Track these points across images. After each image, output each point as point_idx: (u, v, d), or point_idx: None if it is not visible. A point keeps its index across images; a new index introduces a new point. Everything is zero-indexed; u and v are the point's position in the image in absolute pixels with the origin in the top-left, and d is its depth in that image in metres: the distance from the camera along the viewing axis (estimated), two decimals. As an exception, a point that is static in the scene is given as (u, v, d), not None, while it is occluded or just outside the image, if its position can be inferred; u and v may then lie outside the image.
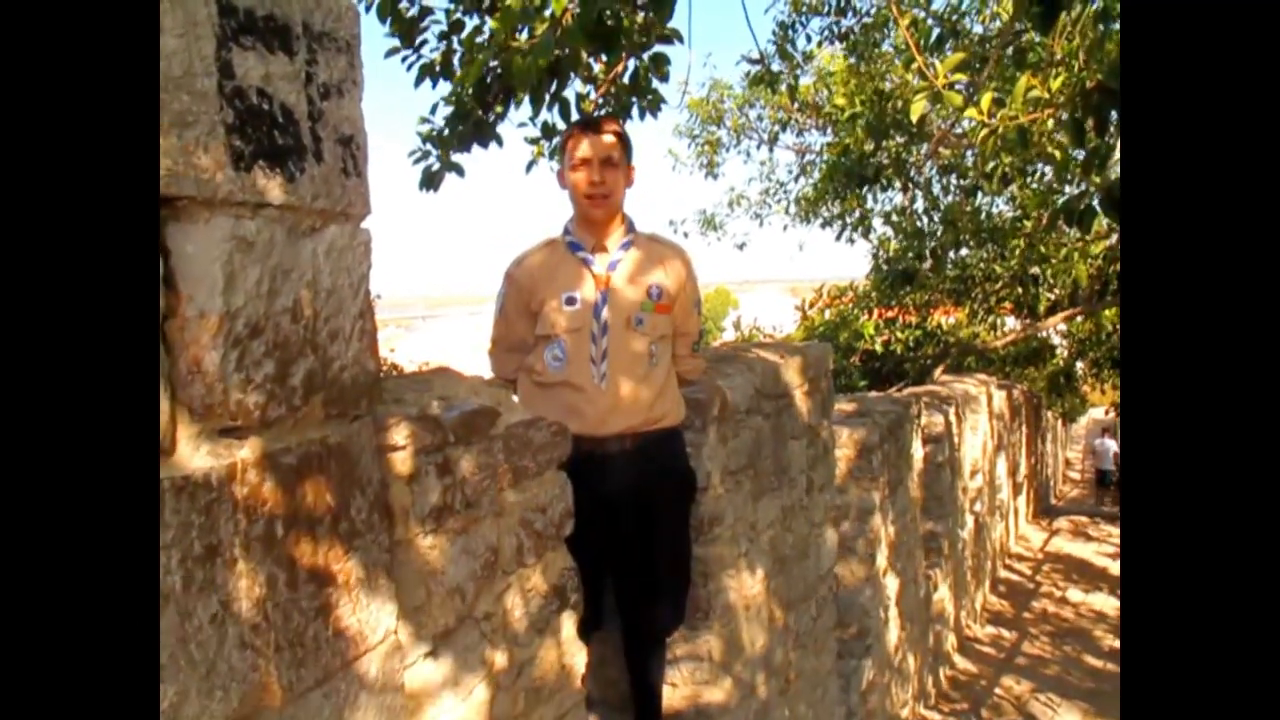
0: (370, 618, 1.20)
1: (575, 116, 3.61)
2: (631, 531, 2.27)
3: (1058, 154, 4.57)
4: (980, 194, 8.28)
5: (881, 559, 4.11)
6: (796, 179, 11.97)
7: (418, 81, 4.07)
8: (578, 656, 1.75)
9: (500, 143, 4.20)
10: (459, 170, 4.20)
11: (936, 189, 9.60)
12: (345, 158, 1.13)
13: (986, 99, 2.74)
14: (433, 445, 1.36)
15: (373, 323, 1.20)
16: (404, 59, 4.05)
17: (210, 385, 0.94)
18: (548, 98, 3.48)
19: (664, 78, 3.71)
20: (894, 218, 8.97)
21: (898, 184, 7.99)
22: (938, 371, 8.78)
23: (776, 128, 10.81)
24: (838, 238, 9.46)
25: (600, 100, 3.75)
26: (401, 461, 1.30)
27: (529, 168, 4.65)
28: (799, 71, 8.24)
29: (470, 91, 3.78)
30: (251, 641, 0.99)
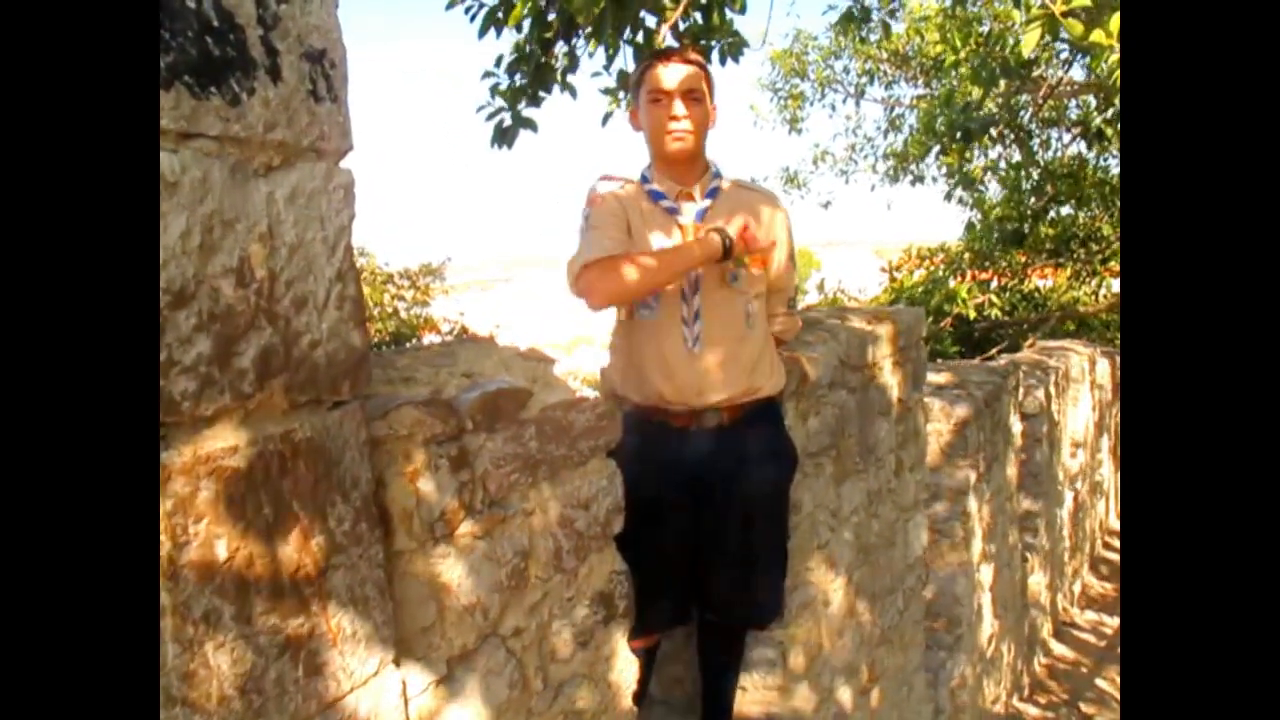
0: (358, 648, 0.99)
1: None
2: (728, 515, 2.01)
3: None
4: (1090, 145, 7.62)
5: (975, 543, 3.77)
6: (885, 134, 11.39)
7: (482, 31, 3.83)
8: (626, 672, 1.52)
9: (574, 93, 3.92)
10: (532, 125, 3.95)
11: (1035, 144, 8.94)
12: (314, 77, 0.89)
13: (1115, 20, 2.34)
14: (444, 434, 1.13)
15: (357, 285, 0.96)
16: (467, 9, 3.80)
17: (114, 370, 0.72)
18: (611, 35, 3.18)
19: (741, 9, 3.37)
20: (1004, 165, 8.31)
21: (993, 133, 7.38)
22: (1033, 339, 8.22)
23: (864, 80, 10.22)
24: (946, 197, 8.88)
25: (670, 40, 3.43)
26: (403, 456, 1.07)
27: (605, 120, 4.35)
28: (893, 16, 7.70)
29: (530, 30, 3.50)
30: (183, 694, 0.78)
